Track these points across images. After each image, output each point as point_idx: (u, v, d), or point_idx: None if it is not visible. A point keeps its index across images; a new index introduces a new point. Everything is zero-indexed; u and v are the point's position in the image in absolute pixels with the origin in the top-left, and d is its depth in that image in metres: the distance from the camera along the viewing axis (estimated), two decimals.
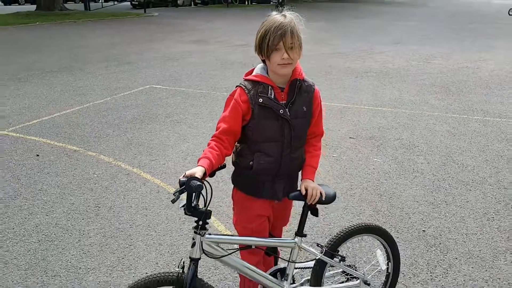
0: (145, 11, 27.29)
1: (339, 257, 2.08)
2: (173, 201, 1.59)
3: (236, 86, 1.89)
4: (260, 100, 1.82)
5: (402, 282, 2.62)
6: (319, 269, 2.06)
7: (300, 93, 1.90)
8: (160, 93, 7.11)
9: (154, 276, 1.74)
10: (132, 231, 3.14)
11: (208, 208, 1.69)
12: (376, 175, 4.11)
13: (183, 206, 1.63)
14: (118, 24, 19.75)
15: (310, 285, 2.08)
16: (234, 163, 2.01)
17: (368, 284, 2.19)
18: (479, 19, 22.58)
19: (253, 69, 1.94)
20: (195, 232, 1.73)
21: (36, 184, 3.87)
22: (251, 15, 25.57)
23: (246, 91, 1.84)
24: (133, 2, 34.28)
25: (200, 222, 1.71)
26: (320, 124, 2.04)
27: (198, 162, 1.72)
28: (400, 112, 6.09)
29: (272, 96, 1.84)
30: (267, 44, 1.76)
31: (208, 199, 1.67)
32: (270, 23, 1.77)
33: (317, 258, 2.03)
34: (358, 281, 2.18)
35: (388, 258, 2.32)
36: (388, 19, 22.85)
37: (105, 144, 4.84)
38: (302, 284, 2.12)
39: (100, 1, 35.08)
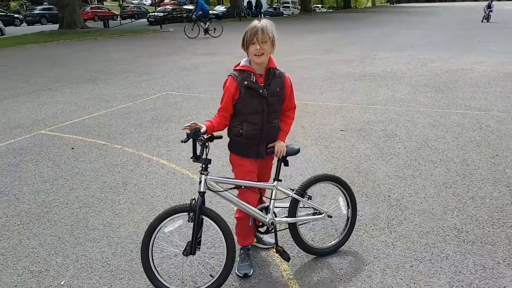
0: (161, 27, 28.53)
1: (307, 197, 2.85)
2: (182, 141, 2.48)
3: (228, 75, 2.65)
4: (245, 82, 2.57)
5: (363, 229, 3.33)
6: (293, 205, 2.83)
7: (274, 78, 2.65)
8: (175, 98, 7.95)
9: (173, 206, 2.51)
10: (153, 200, 3.92)
11: (208, 158, 2.48)
12: (358, 158, 4.82)
13: (191, 157, 2.44)
14: (136, 39, 20.89)
15: (288, 217, 2.83)
16: (228, 134, 2.77)
17: (331, 217, 2.96)
18: (485, 26, 23.05)
19: (239, 63, 2.70)
20: (201, 173, 2.50)
21: (73, 169, 4.70)
22: None
23: (235, 78, 2.60)
24: (149, 19, 35.74)
25: (203, 166, 2.49)
26: (292, 101, 2.79)
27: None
28: (389, 109, 6.78)
29: (254, 80, 2.59)
30: (246, 39, 2.54)
31: (206, 151, 2.46)
32: (249, 26, 2.56)
33: (290, 195, 2.78)
34: (323, 214, 2.93)
35: (348, 206, 3.05)
36: (397, 28, 23.53)
37: (128, 139, 5.65)
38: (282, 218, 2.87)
39: (119, 19, 36.65)
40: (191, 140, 2.44)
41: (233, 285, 2.73)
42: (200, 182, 2.51)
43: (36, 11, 38.38)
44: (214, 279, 2.56)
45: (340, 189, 3.01)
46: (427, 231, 3.28)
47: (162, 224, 2.49)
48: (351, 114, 6.53)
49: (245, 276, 2.78)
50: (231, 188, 2.69)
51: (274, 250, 2.86)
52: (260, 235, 3.06)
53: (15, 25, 36.05)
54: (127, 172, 4.56)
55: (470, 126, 5.78)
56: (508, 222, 3.38)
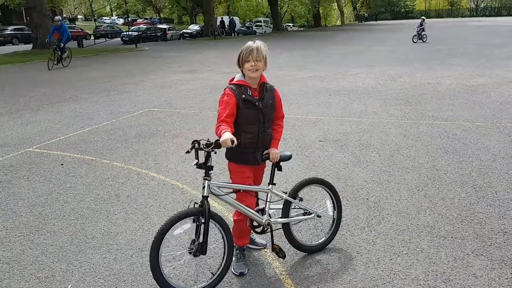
0: (136, 46, 28.70)
1: (299, 198, 3.16)
2: (187, 151, 2.68)
3: (225, 88, 2.90)
4: (243, 96, 2.84)
5: (346, 229, 3.63)
6: (286, 207, 3.12)
7: (267, 91, 2.96)
8: (158, 114, 8.17)
9: (184, 211, 2.70)
10: (147, 210, 4.12)
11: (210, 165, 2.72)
12: (337, 165, 5.15)
13: (195, 164, 2.67)
14: (112, 58, 20.99)
15: (281, 217, 3.12)
16: None
17: (320, 216, 3.29)
18: (451, 41, 24.19)
19: (234, 77, 2.97)
20: (204, 179, 2.73)
21: (65, 183, 4.85)
22: (237, 46, 26.99)
23: (233, 91, 2.86)
24: (123, 38, 35.83)
25: (206, 172, 2.72)
26: (280, 110, 3.11)
27: (222, 132, 2.60)
28: (363, 121, 7.19)
29: (250, 94, 2.87)
30: (242, 57, 2.83)
31: (210, 160, 2.70)
32: (245, 46, 2.86)
33: (283, 198, 3.08)
34: (313, 214, 3.26)
35: (334, 208, 3.37)
36: (365, 45, 24.42)
37: (116, 154, 5.84)
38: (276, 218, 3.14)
39: (92, 38, 36.59)
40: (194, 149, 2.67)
41: (230, 282, 2.97)
42: (203, 187, 2.73)
43: (7, 31, 37.84)
44: (215, 276, 2.80)
45: (327, 191, 3.35)
46: (403, 229, 3.61)
47: (173, 227, 2.68)
48: (328, 126, 6.90)
49: (241, 274, 3.03)
50: (231, 192, 2.94)
51: (271, 248, 3.12)
52: (252, 236, 3.32)
53: None
54: (119, 185, 4.75)
55: (438, 135, 6.22)
56: (475, 219, 3.74)
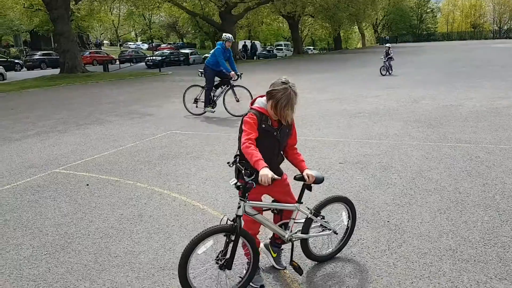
0: (160, 70, 29.39)
1: (321, 217, 3.24)
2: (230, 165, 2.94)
3: (249, 111, 2.99)
4: (263, 126, 2.94)
5: (366, 251, 3.62)
6: (307, 223, 3.22)
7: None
8: (180, 136, 8.32)
9: (216, 226, 2.85)
10: (168, 229, 4.20)
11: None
12: (357, 188, 5.14)
13: (234, 183, 2.81)
14: (136, 82, 21.52)
15: (302, 233, 3.21)
16: (241, 159, 3.04)
17: (336, 233, 3.39)
18: (472, 63, 23.98)
19: (255, 99, 3.05)
20: (241, 199, 2.85)
21: (90, 203, 4.98)
22: (258, 69, 27.38)
23: (256, 116, 2.93)
24: (147, 63, 36.73)
25: (244, 193, 2.84)
26: (295, 138, 3.22)
27: (258, 162, 2.69)
28: (384, 143, 7.17)
29: (270, 124, 2.97)
30: (276, 97, 2.84)
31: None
32: (283, 89, 2.83)
33: (308, 216, 3.16)
34: (331, 231, 3.33)
35: (349, 217, 3.48)
36: None
37: (139, 175, 5.97)
38: (296, 233, 3.22)
39: (117, 63, 37.64)
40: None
41: None
42: (239, 207, 2.86)
43: (36, 56, 39.34)
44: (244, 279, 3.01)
45: (345, 206, 3.45)
46: (424, 252, 3.58)
47: (204, 241, 2.79)
48: (348, 148, 6.91)
49: (262, 287, 3.11)
50: (263, 210, 3.11)
51: (289, 263, 3.22)
52: (280, 258, 3.40)
53: (16, 70, 36.87)
54: (142, 205, 4.85)
55: (461, 157, 6.16)
56: (499, 242, 3.68)
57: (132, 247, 3.86)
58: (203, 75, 10.60)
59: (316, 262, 3.47)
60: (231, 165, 2.91)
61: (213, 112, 10.55)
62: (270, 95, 2.89)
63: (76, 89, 18.73)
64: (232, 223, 2.85)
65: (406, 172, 5.60)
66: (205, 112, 10.56)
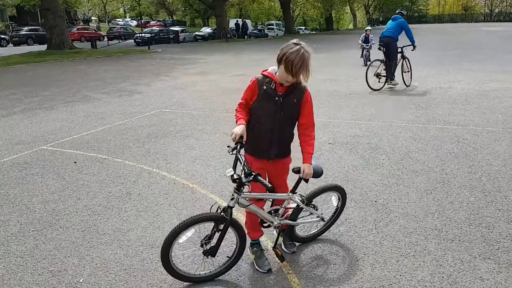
0: (149, 48, 28.97)
1: (312, 206, 3.21)
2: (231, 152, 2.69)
3: (254, 77, 2.88)
4: (264, 87, 2.81)
5: (353, 230, 3.66)
6: (296, 211, 3.17)
7: (294, 90, 2.85)
8: (169, 115, 8.26)
9: (206, 214, 2.78)
10: (157, 208, 4.19)
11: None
12: (346, 168, 5.18)
13: (231, 175, 2.65)
14: (125, 60, 21.22)
15: (290, 219, 3.17)
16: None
17: (323, 220, 3.32)
18: (462, 46, 24.01)
19: (269, 68, 2.88)
20: (235, 192, 2.75)
21: (78, 181, 4.95)
22: (249, 49, 27.15)
23: (257, 81, 2.85)
24: (136, 40, 36.19)
25: (238, 186, 2.75)
26: (310, 117, 2.91)
27: (237, 121, 2.75)
28: (373, 124, 7.20)
29: (273, 87, 2.80)
30: (286, 60, 2.63)
31: (243, 172, 2.69)
32: (293, 51, 2.63)
33: (300, 206, 3.10)
34: (318, 218, 3.30)
35: (339, 200, 3.47)
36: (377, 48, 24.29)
37: (128, 153, 5.93)
38: (285, 219, 3.17)
39: (105, 40, 37.00)
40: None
41: (238, 279, 3.02)
42: (232, 199, 2.78)
43: (23, 32, 38.44)
44: (220, 268, 2.99)
45: (337, 193, 3.43)
46: (410, 231, 3.63)
47: (191, 227, 2.75)
48: (338, 129, 6.92)
49: (269, 271, 3.09)
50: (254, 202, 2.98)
51: (272, 248, 3.18)
52: (288, 242, 3.40)
53: (2, 46, 36.09)
54: (130, 183, 4.83)
55: (449, 139, 6.21)
56: (483, 223, 3.75)
57: (120, 224, 3.86)
58: (384, 48, 10.58)
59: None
60: (231, 152, 2.66)
61: (396, 85, 10.80)
62: (281, 57, 2.65)
63: (63, 66, 18.43)
64: (222, 213, 2.79)
65: (394, 153, 5.64)
66: (384, 86, 10.73)
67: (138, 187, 4.71)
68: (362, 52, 16.32)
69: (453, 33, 37.69)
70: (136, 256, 3.33)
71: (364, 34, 16.07)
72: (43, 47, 27.67)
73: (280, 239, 3.37)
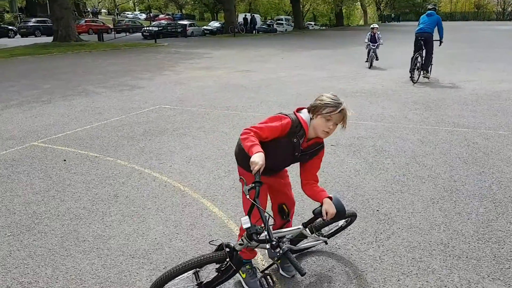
0: (155, 41, 28.73)
1: (320, 234, 2.92)
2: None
3: (290, 114, 2.53)
4: (294, 140, 2.49)
5: (352, 243, 3.38)
6: (300, 237, 2.88)
7: (314, 148, 2.62)
8: (169, 111, 8.00)
9: (211, 256, 2.41)
10: (144, 212, 3.94)
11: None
12: (347, 172, 4.88)
13: (247, 228, 2.19)
14: (130, 53, 21.00)
15: (292, 244, 2.84)
16: (238, 146, 2.69)
17: (326, 243, 3.10)
18: (474, 44, 23.49)
19: (304, 108, 2.58)
20: (249, 241, 2.33)
21: (65, 181, 4.71)
22: (256, 44, 26.81)
23: (291, 126, 2.48)
24: (144, 33, 35.96)
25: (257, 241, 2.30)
26: (315, 172, 2.70)
27: (253, 147, 2.27)
28: (379, 125, 6.89)
29: (301, 141, 2.52)
30: (322, 110, 2.44)
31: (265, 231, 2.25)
32: (328, 99, 2.46)
33: (309, 236, 2.82)
34: (321, 241, 3.03)
35: (346, 221, 3.17)
36: (388, 45, 23.84)
37: (121, 151, 5.68)
38: (284, 242, 2.84)
39: (113, 33, 36.83)
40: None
41: None
42: (241, 244, 2.41)
43: (30, 23, 38.40)
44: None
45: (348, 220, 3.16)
46: (414, 246, 3.34)
47: (195, 270, 2.46)
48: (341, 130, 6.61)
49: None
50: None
51: (262, 270, 2.89)
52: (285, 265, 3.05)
53: (9, 37, 36.10)
54: (119, 185, 4.58)
55: (458, 143, 5.89)
56: (493, 237, 3.45)
57: (102, 230, 3.61)
58: (423, 43, 10.92)
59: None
60: (247, 195, 2.20)
61: (429, 78, 11.33)
62: (319, 109, 2.45)
63: (67, 58, 18.25)
64: (226, 252, 2.40)
65: (400, 157, 5.33)
66: (421, 77, 11.13)
67: (127, 189, 4.46)
68: (368, 53, 14.43)
69: (464, 31, 37.01)
70: (114, 268, 3.08)
71: (370, 33, 14.21)
72: (50, 39, 27.52)
73: (277, 262, 3.05)
